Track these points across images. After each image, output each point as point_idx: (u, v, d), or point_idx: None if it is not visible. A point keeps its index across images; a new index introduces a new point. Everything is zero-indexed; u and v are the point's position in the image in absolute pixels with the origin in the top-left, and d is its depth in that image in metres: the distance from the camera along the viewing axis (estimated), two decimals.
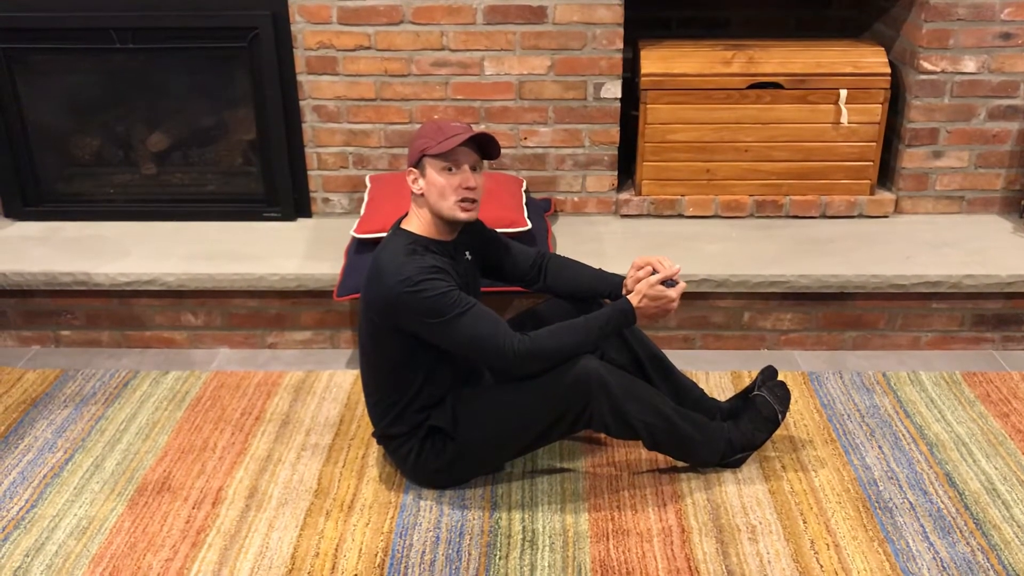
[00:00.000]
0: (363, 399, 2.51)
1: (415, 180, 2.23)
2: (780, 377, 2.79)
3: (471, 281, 2.37)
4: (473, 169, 2.22)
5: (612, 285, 2.44)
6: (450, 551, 2.19)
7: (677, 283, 2.30)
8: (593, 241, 3.18)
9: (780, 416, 2.44)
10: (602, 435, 2.52)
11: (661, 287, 2.26)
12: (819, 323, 3.05)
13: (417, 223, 2.26)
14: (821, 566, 2.13)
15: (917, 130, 3.31)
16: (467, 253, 2.38)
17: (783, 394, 2.47)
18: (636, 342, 2.48)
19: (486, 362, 2.23)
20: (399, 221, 2.31)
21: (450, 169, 2.19)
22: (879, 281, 2.95)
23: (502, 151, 3.33)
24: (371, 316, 2.26)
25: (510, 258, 2.49)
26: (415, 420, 2.30)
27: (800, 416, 2.69)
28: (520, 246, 2.53)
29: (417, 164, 2.22)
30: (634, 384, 2.29)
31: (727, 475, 2.43)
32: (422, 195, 2.22)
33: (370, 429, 2.59)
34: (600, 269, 2.50)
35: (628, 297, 2.27)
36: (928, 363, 3.00)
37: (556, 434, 2.32)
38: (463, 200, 2.20)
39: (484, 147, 2.25)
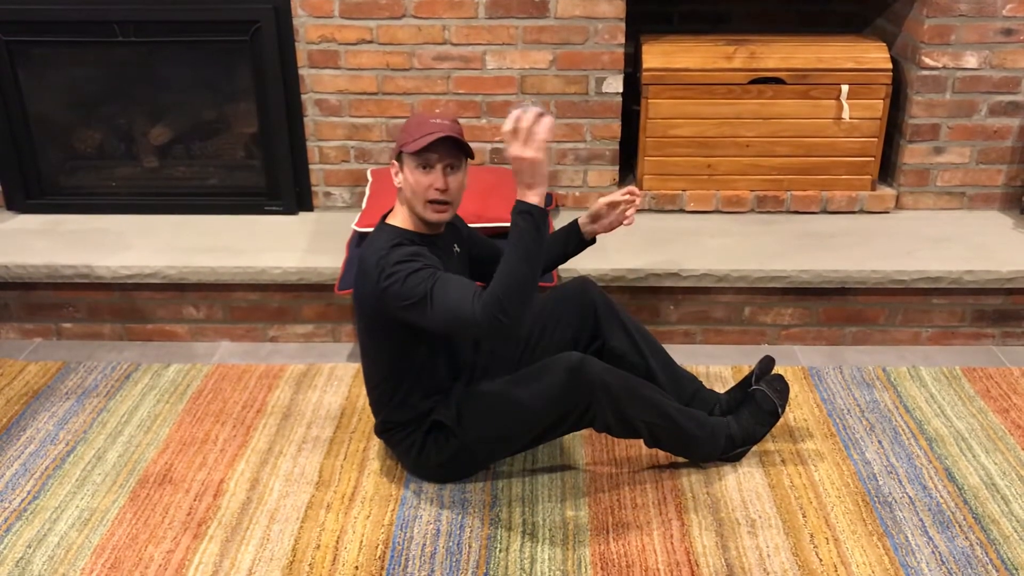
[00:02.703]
0: (364, 392, 2.51)
1: (396, 173, 2.21)
2: (780, 372, 2.80)
3: (458, 274, 2.35)
4: (451, 168, 2.16)
5: (572, 233, 2.47)
6: (451, 544, 2.20)
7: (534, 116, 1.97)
8: None
9: (780, 410, 2.45)
10: None
11: (511, 152, 1.99)
12: (819, 318, 3.05)
13: (402, 217, 2.25)
14: (820, 560, 2.14)
15: (918, 126, 3.31)
16: (455, 246, 2.38)
17: (782, 388, 2.47)
18: (637, 333, 2.48)
19: (465, 334, 2.11)
20: (385, 216, 2.30)
21: (423, 168, 2.15)
22: (880, 276, 2.96)
23: (504, 146, 3.34)
24: (363, 312, 2.26)
25: (490, 254, 2.49)
26: (415, 411, 2.31)
27: (800, 411, 2.69)
28: (495, 242, 2.52)
29: (398, 158, 2.20)
30: (636, 385, 2.28)
31: (727, 469, 2.43)
32: (401, 189, 2.21)
33: (371, 422, 2.60)
34: (557, 230, 2.51)
35: (517, 199, 2.04)
36: (928, 358, 3.00)
37: (558, 433, 2.32)
38: (433, 201, 2.16)
39: (463, 145, 2.18)
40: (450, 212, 2.21)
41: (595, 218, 2.48)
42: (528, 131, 1.98)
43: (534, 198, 2.03)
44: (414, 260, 2.11)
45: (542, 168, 2.01)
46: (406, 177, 2.18)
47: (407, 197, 2.20)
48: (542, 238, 2.04)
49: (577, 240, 2.51)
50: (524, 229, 2.03)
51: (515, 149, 1.99)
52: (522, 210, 2.04)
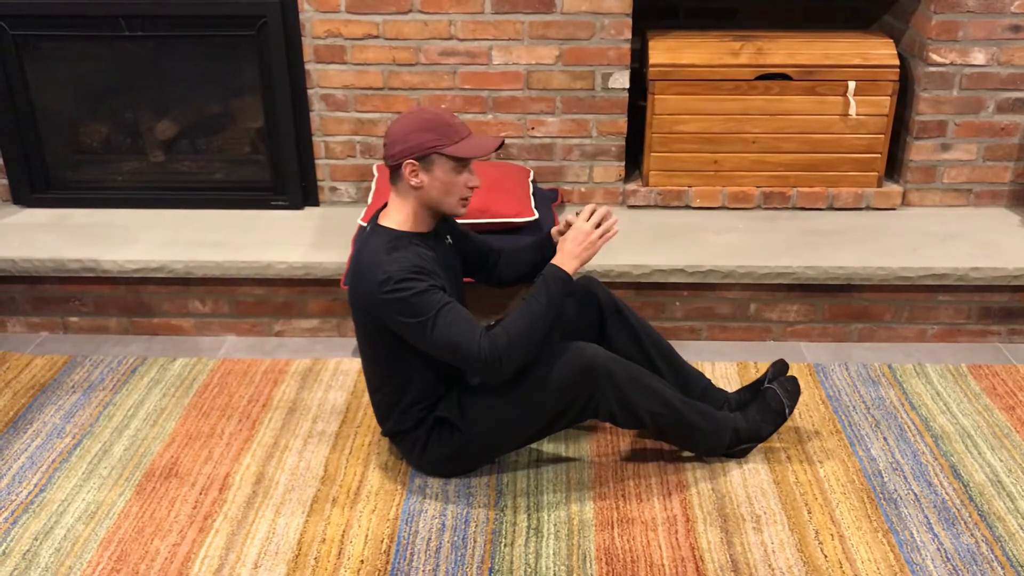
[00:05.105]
0: None
1: (414, 173, 2.17)
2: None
3: (453, 266, 2.37)
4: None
5: (544, 245, 2.46)
6: (455, 538, 2.20)
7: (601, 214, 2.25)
8: None
9: (788, 410, 2.44)
10: (607, 424, 2.52)
11: (578, 228, 2.23)
12: (825, 315, 3.05)
13: (398, 217, 2.24)
14: (825, 556, 2.14)
15: (925, 122, 3.31)
16: (448, 237, 2.39)
17: (793, 389, 2.47)
18: (643, 332, 2.48)
19: (461, 367, 2.21)
20: (375, 217, 2.29)
21: (459, 169, 2.19)
22: (886, 273, 2.95)
23: (510, 141, 3.35)
24: (358, 316, 2.26)
25: (477, 249, 2.50)
26: (420, 415, 2.31)
27: (806, 407, 2.69)
28: (481, 238, 2.54)
29: (423, 158, 2.17)
30: (640, 374, 2.28)
31: (732, 465, 2.43)
32: (419, 188, 2.19)
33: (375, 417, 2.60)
34: (536, 239, 2.51)
35: (553, 260, 2.23)
36: (934, 355, 3.00)
37: (562, 424, 2.32)
38: (464, 198, 2.23)
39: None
40: None
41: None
42: (610, 227, 2.24)
43: (572, 267, 2.21)
44: (419, 278, 2.11)
45: (594, 255, 2.24)
46: (437, 177, 2.17)
47: (434, 196, 2.20)
48: (561, 300, 2.20)
49: (552, 249, 2.45)
50: (556, 293, 2.18)
51: (594, 236, 2.22)
52: (561, 276, 2.20)
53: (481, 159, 2.22)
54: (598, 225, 2.23)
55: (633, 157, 3.49)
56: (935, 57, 3.21)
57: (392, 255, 2.14)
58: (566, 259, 2.21)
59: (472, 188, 2.23)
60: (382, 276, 2.11)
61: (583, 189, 3.42)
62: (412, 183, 2.18)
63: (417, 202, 2.21)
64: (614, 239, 3.08)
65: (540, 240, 2.49)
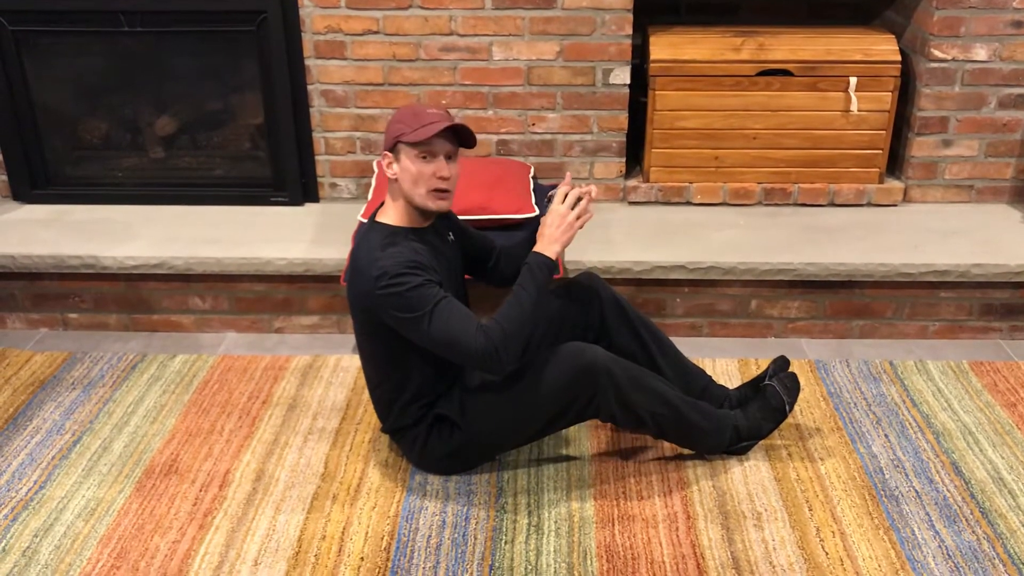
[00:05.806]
0: None
1: (389, 164, 2.20)
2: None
3: (454, 263, 2.36)
4: (448, 158, 2.18)
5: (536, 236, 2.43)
6: (456, 535, 2.20)
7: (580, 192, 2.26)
8: (600, 228, 3.17)
9: (788, 407, 2.44)
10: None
11: (555, 211, 2.23)
12: (826, 311, 3.04)
13: (393, 213, 2.24)
14: (826, 553, 2.14)
15: (927, 118, 3.30)
16: (450, 234, 2.38)
17: (793, 385, 2.46)
18: (644, 328, 2.48)
19: (459, 362, 2.19)
20: (374, 213, 2.29)
21: (425, 157, 2.16)
22: (887, 270, 2.95)
23: (510, 137, 3.34)
24: (356, 312, 2.26)
25: (478, 247, 2.49)
26: (420, 412, 2.31)
27: (807, 404, 2.69)
28: (483, 236, 2.53)
29: (392, 149, 2.19)
30: (641, 374, 2.28)
31: (733, 462, 2.43)
32: (395, 180, 2.20)
33: (375, 414, 2.60)
34: (529, 232, 2.48)
35: (535, 247, 2.23)
36: (935, 352, 3.00)
37: (562, 424, 2.31)
38: (436, 190, 2.18)
39: (460, 136, 2.21)
40: (450, 200, 2.22)
41: None
42: (587, 208, 2.25)
43: (554, 252, 2.21)
44: (415, 273, 2.11)
45: (573, 237, 2.25)
46: (405, 167, 2.17)
47: (406, 188, 2.19)
48: (546, 286, 2.21)
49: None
50: (542, 280, 2.18)
51: (571, 217, 2.23)
52: (545, 262, 2.20)
53: (438, 142, 2.14)
54: (575, 206, 2.23)
55: (634, 153, 3.48)
56: (937, 53, 3.20)
57: (387, 250, 2.14)
58: (547, 244, 2.21)
59: (443, 179, 2.17)
60: (377, 272, 2.11)
61: (583, 185, 3.40)
62: (388, 175, 2.21)
63: (401, 196, 2.22)
64: (614, 234, 3.11)
65: (533, 232, 2.48)
